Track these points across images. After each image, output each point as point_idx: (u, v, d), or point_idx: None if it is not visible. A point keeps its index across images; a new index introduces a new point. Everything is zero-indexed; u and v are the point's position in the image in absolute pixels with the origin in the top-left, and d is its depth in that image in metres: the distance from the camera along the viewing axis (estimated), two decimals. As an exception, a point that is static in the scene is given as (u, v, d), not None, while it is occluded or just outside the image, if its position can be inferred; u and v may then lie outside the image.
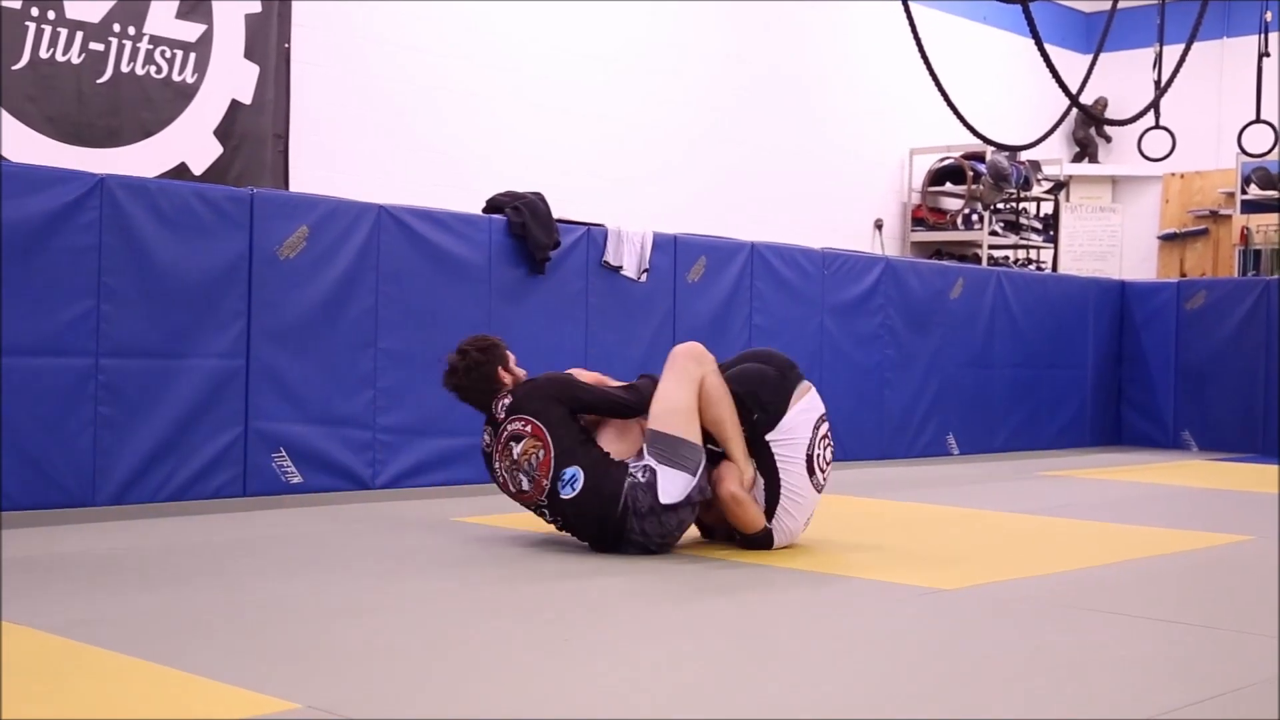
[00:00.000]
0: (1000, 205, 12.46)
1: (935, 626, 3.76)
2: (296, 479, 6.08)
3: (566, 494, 4.73)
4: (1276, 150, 9.95)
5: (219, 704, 2.75)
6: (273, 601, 3.83)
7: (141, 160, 7.33)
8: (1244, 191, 12.60)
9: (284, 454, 6.06)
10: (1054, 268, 12.92)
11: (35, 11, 7.04)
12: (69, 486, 5.40)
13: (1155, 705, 2.87)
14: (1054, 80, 7.14)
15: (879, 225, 12.15)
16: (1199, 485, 7.70)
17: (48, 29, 7.10)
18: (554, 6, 9.57)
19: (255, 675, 2.95)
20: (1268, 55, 9.49)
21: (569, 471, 4.74)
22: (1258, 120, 9.56)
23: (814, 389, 5.04)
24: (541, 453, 4.80)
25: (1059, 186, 13.10)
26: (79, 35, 7.20)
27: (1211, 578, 4.64)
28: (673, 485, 4.68)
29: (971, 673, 3.20)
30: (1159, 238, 14.00)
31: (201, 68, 7.68)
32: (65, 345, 5.41)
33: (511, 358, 5.24)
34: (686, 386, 4.79)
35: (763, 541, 4.82)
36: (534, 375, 5.15)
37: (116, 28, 7.33)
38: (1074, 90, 7.50)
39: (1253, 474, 8.41)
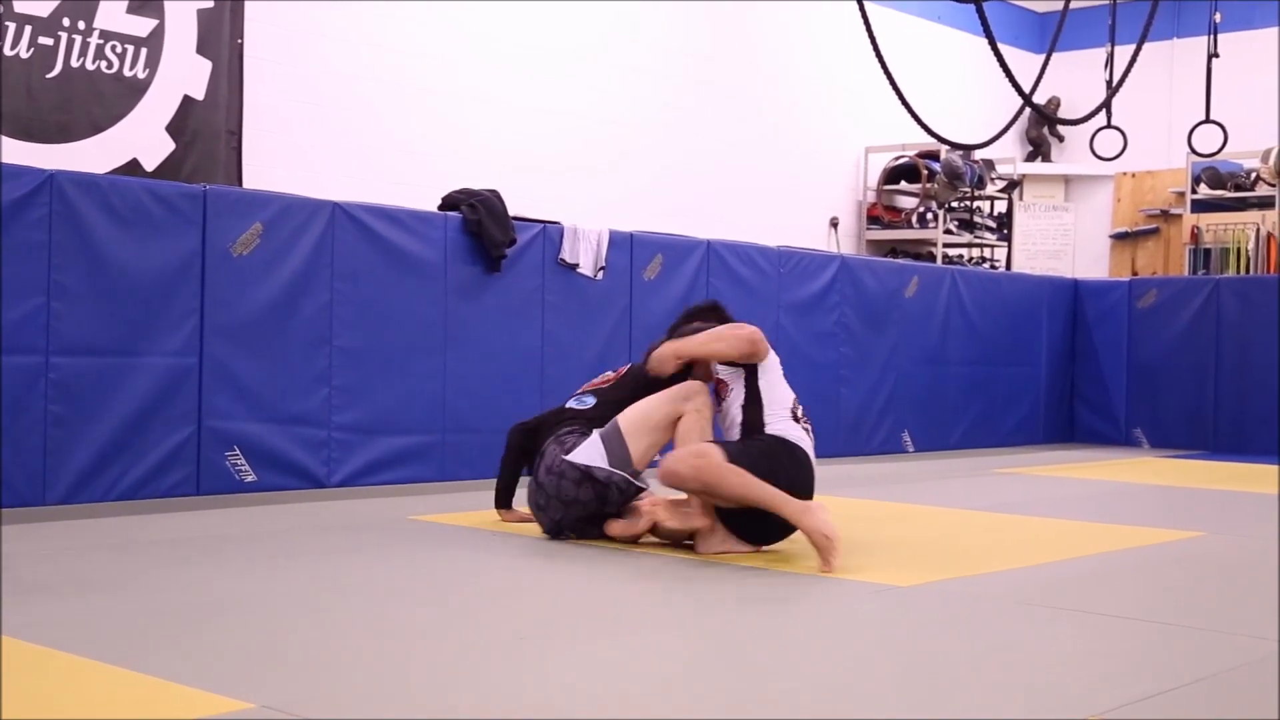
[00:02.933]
0: (954, 204, 12.54)
1: (890, 623, 3.77)
2: (251, 478, 6.04)
3: None
4: (1226, 150, 10.07)
5: (172, 704, 2.72)
6: (226, 601, 3.79)
7: (92, 156, 7.25)
8: (1194, 191, 12.73)
9: (238, 453, 6.01)
10: (1008, 266, 13.02)
11: (-17, 5, 6.95)
12: (19, 486, 5.34)
13: (1108, 700, 2.89)
14: (1007, 79, 7.19)
15: (834, 223, 12.20)
16: (1151, 482, 7.78)
17: (-4, 23, 7.01)
18: (509, 3, 9.55)
19: (209, 675, 2.92)
20: (1217, 56, 9.59)
21: None
22: (1207, 120, 9.66)
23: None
24: None
25: (1012, 185, 13.20)
26: (28, 30, 7.12)
27: (1164, 574, 4.69)
28: (587, 453, 4.85)
29: (925, 670, 3.21)
30: (1111, 236, 14.13)
31: (153, 63, 7.61)
32: (15, 343, 5.34)
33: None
34: (666, 409, 4.90)
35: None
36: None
37: (66, 22, 7.24)
38: (1027, 90, 7.55)
39: (1204, 470, 8.50)
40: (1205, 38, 9.75)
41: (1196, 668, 3.24)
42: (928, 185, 12.11)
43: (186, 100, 7.75)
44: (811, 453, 4.87)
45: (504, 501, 5.48)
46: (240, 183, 7.87)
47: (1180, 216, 13.13)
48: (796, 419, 4.88)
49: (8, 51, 7.05)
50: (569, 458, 4.88)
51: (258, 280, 6.08)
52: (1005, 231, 13.16)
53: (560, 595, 4.06)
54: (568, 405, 5.28)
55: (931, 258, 12.13)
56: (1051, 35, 8.13)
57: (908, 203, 12.60)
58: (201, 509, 5.64)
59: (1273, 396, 9.62)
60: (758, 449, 4.71)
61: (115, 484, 5.62)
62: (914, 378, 9.33)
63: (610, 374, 5.43)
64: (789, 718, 2.75)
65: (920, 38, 12.90)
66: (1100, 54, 9.92)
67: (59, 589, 3.93)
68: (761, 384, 4.89)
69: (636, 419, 4.93)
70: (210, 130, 7.85)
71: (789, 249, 8.69)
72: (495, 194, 6.99)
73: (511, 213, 7.01)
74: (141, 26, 7.54)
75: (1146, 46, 8.24)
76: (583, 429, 5.05)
